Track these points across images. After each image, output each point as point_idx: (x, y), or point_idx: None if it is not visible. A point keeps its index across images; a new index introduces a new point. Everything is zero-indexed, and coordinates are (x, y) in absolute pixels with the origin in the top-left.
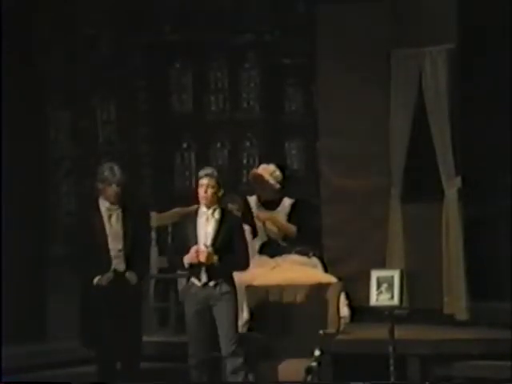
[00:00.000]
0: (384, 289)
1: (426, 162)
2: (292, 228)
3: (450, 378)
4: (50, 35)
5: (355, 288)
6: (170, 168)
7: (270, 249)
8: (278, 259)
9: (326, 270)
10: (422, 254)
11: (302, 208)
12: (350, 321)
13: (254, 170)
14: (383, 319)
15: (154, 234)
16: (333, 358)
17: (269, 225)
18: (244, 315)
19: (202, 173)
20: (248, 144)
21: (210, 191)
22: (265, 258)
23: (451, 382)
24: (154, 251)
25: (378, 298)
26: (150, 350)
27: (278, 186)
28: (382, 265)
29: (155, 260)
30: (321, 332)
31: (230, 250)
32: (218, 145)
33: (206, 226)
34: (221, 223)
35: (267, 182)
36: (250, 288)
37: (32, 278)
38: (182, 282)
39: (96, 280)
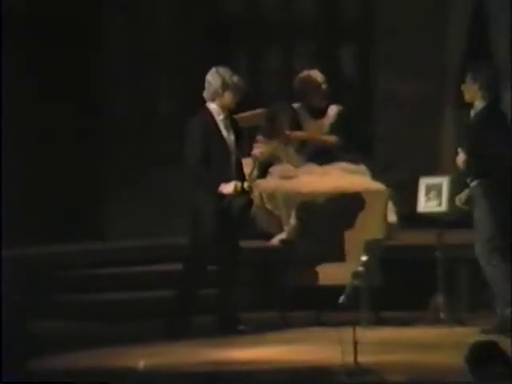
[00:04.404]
0: (432, 195)
1: None
2: (331, 138)
3: None
4: None
5: (404, 195)
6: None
7: (321, 157)
8: (327, 167)
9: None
10: None
11: (348, 117)
12: (398, 227)
13: (306, 72)
14: (432, 225)
15: None
16: (381, 263)
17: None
18: (291, 221)
19: None
20: (300, 48)
21: None
22: (314, 166)
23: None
24: None
25: (426, 204)
26: None
27: (327, 90)
28: (431, 173)
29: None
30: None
31: None
32: (271, 48)
33: None
34: None
35: (320, 85)
36: (298, 195)
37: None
38: None
39: (221, 188)
